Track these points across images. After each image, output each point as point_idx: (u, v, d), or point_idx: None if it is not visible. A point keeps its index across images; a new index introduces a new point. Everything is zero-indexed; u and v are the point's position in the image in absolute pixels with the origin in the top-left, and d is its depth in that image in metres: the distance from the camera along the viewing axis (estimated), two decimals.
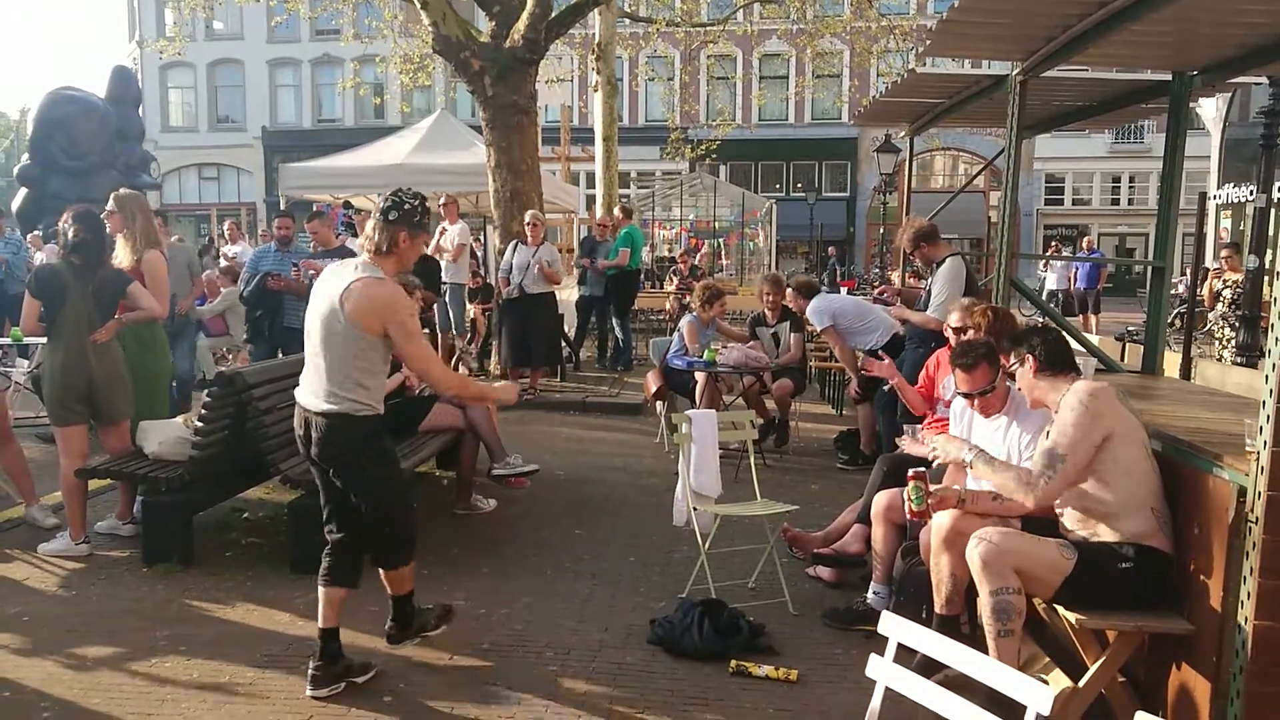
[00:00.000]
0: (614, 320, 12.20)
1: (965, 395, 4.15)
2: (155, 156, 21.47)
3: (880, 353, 6.48)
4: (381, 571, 3.96)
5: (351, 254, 8.56)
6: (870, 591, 4.52)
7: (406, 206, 3.67)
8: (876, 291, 8.03)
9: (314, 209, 11.98)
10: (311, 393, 3.69)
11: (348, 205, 13.36)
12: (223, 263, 13.34)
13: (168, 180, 36.84)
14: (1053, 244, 27.32)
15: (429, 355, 3.77)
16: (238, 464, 5.43)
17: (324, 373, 3.62)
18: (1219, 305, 12.43)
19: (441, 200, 11.46)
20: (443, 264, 10.91)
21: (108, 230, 5.70)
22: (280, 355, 7.70)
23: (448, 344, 11.41)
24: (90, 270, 5.35)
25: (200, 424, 5.14)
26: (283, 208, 14.45)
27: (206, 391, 5.25)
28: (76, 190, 15.03)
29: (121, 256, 5.80)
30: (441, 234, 11.29)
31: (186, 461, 5.14)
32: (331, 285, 3.60)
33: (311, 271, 8.04)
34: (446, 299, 11.19)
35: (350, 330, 3.54)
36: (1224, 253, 13.08)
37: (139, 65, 35.02)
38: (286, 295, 8.05)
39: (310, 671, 3.76)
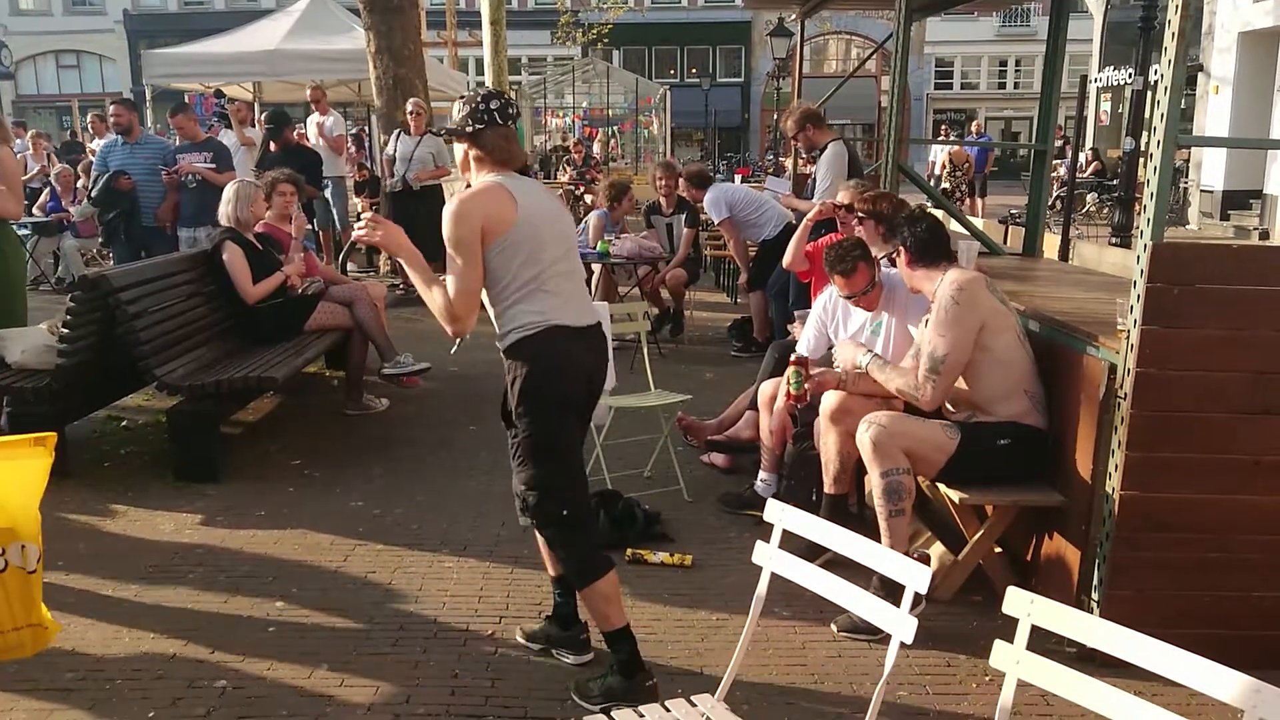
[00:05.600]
0: None
1: (848, 298, 4.19)
2: (5, 43, 19.90)
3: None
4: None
5: (223, 147, 8.13)
6: (758, 479, 4.61)
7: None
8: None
9: (184, 99, 11.34)
10: (589, 310, 3.24)
11: (219, 95, 12.62)
12: (87, 158, 12.55)
13: (21, 69, 34.21)
14: (942, 128, 27.65)
15: None
16: (110, 371, 5.18)
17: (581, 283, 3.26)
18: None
19: (309, 91, 11.20)
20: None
21: None
22: (144, 257, 7.24)
23: (332, 241, 11.03)
24: None
25: (65, 330, 4.87)
26: (149, 97, 13.64)
27: (70, 296, 4.96)
28: None
29: None
30: (320, 126, 10.94)
31: (54, 370, 4.87)
32: (549, 195, 3.22)
33: (189, 173, 7.59)
34: (328, 194, 10.77)
35: None
36: (950, 150, 12.41)
37: None
38: (141, 192, 7.58)
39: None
